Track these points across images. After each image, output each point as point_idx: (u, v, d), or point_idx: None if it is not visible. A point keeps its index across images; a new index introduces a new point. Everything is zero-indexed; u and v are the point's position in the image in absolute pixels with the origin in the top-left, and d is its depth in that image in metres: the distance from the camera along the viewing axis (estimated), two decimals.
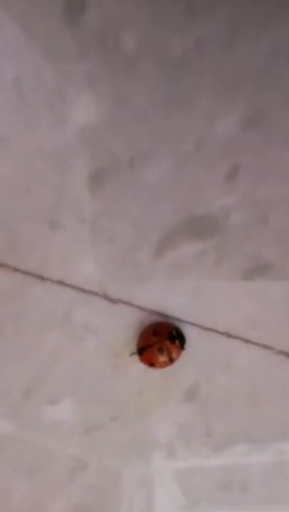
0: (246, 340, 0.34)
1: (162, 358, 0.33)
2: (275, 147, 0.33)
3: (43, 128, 0.32)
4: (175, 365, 0.33)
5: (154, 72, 0.31)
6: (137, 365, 0.34)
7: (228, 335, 0.34)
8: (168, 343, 0.33)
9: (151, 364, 0.33)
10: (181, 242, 0.33)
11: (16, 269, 0.33)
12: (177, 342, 0.33)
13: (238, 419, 0.35)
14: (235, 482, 0.35)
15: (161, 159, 0.32)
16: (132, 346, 0.34)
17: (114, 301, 0.33)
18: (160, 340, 0.33)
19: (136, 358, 0.34)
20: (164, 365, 0.33)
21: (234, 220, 0.33)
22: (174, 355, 0.33)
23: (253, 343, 0.34)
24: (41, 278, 0.33)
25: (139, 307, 0.33)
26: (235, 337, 0.34)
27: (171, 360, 0.33)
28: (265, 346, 0.34)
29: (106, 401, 0.34)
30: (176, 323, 0.34)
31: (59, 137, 0.32)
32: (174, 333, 0.33)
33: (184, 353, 0.34)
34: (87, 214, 0.33)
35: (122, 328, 0.34)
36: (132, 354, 0.34)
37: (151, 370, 0.34)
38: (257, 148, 0.32)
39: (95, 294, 0.33)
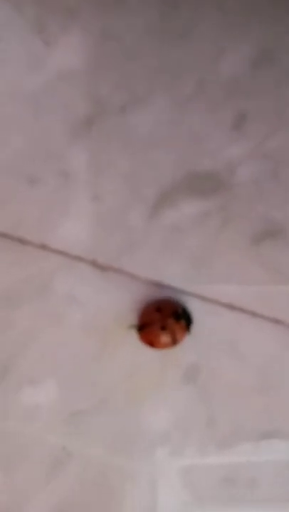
0: (254, 314, 0.32)
1: (164, 338, 0.31)
2: (288, 90, 0.31)
3: (20, 68, 0.31)
4: None
5: (147, 1, 0.30)
6: (129, 343, 0.32)
7: (233, 308, 0.33)
8: (172, 321, 0.31)
9: (151, 343, 0.32)
10: (181, 201, 0.32)
11: None
12: (183, 322, 0.32)
13: (245, 408, 0.33)
14: (241, 479, 0.34)
15: (156, 104, 0.31)
16: (124, 320, 0.32)
17: (103, 268, 0.32)
18: (163, 317, 0.31)
19: (128, 334, 0.32)
20: (165, 346, 0.32)
21: (242, 176, 0.32)
22: (178, 336, 0.31)
23: (262, 316, 0.32)
24: (19, 241, 0.32)
25: (132, 275, 0.32)
26: (242, 310, 0.33)
27: (174, 342, 0.32)
28: (276, 321, 0.33)
29: (93, 383, 0.33)
30: (175, 294, 0.32)
31: (38, 78, 0.31)
32: (179, 311, 0.32)
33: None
34: (72, 167, 0.31)
35: (112, 300, 0.32)
36: (131, 327, 0.32)
37: (144, 349, 0.32)
38: (268, 92, 0.31)
39: (81, 259, 0.32)
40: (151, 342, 0.32)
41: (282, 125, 0.31)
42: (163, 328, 0.31)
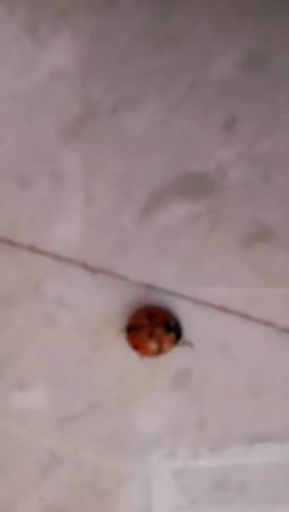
0: (245, 316, 0.33)
1: (151, 345, 0.31)
2: (278, 94, 0.31)
3: (11, 69, 0.31)
4: None
5: (139, 3, 0.30)
6: (120, 346, 0.32)
7: (224, 310, 0.33)
8: (161, 331, 0.31)
9: (136, 347, 0.31)
10: (172, 203, 0.32)
11: None
12: (172, 335, 0.31)
13: (236, 411, 0.33)
14: (232, 482, 0.34)
15: (147, 106, 0.31)
16: (115, 323, 0.32)
17: (93, 270, 0.32)
18: (153, 325, 0.31)
19: (119, 337, 0.32)
20: (150, 353, 0.31)
21: (233, 178, 0.32)
22: (164, 346, 0.31)
23: (254, 319, 0.32)
24: (10, 243, 0.32)
25: (122, 278, 0.32)
26: (233, 312, 0.33)
27: (160, 351, 0.31)
28: (267, 323, 0.33)
29: (84, 387, 0.33)
30: (166, 297, 0.32)
31: (30, 79, 0.31)
32: (171, 323, 0.31)
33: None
34: (64, 169, 0.31)
35: (102, 302, 0.32)
36: (121, 331, 0.32)
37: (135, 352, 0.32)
38: (259, 94, 0.31)
39: (72, 262, 0.32)
40: (136, 346, 0.31)
41: (273, 128, 0.31)
42: (150, 335, 0.31)
